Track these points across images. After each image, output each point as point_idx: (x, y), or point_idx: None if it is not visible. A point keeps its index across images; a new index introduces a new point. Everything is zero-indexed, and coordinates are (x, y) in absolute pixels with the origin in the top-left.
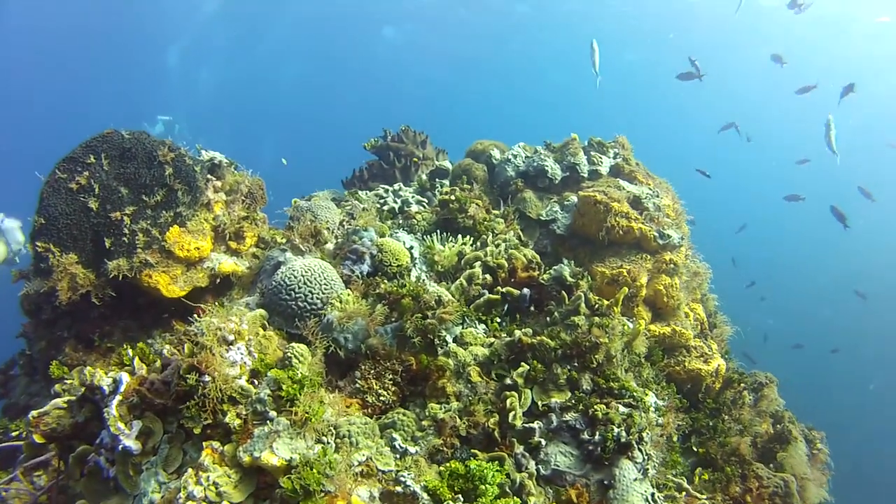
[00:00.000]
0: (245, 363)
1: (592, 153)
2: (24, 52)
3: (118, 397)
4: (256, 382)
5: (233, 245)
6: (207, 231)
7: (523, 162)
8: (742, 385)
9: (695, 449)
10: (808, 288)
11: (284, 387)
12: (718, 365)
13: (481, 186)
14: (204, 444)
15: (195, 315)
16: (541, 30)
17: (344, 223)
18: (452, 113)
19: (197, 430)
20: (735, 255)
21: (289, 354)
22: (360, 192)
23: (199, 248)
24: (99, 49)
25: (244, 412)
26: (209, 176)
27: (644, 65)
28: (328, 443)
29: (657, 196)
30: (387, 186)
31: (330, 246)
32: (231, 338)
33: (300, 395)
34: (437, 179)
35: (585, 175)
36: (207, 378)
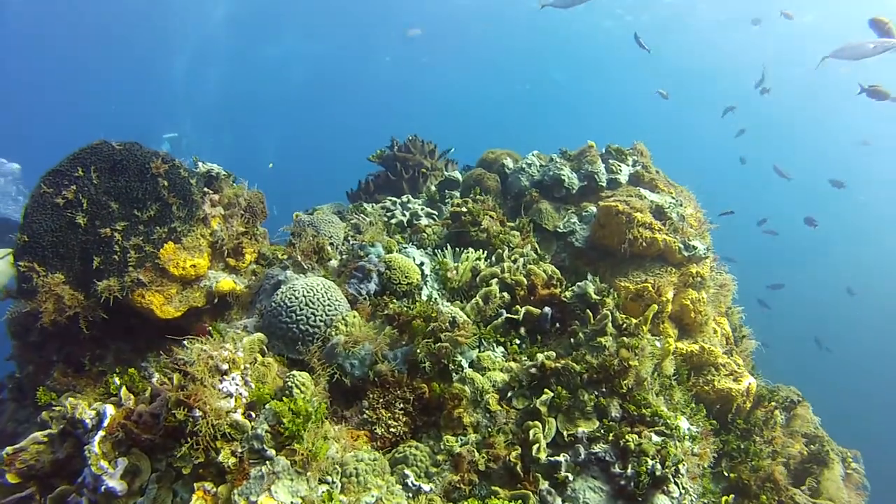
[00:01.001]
0: (241, 395)
1: (610, 161)
2: (24, 60)
3: (101, 433)
4: (253, 416)
5: (231, 262)
6: (204, 247)
7: (538, 171)
8: (773, 404)
9: (726, 473)
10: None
11: (285, 422)
12: (749, 383)
13: (494, 197)
14: (195, 485)
15: (186, 341)
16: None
17: (349, 238)
18: (462, 123)
19: (186, 471)
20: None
21: (289, 384)
22: (365, 205)
23: (195, 266)
24: (102, 59)
25: (240, 450)
26: (206, 189)
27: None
28: (333, 483)
29: (680, 205)
30: (394, 198)
31: (334, 263)
32: (224, 367)
33: (303, 430)
34: (446, 191)
35: (604, 184)
36: (198, 413)
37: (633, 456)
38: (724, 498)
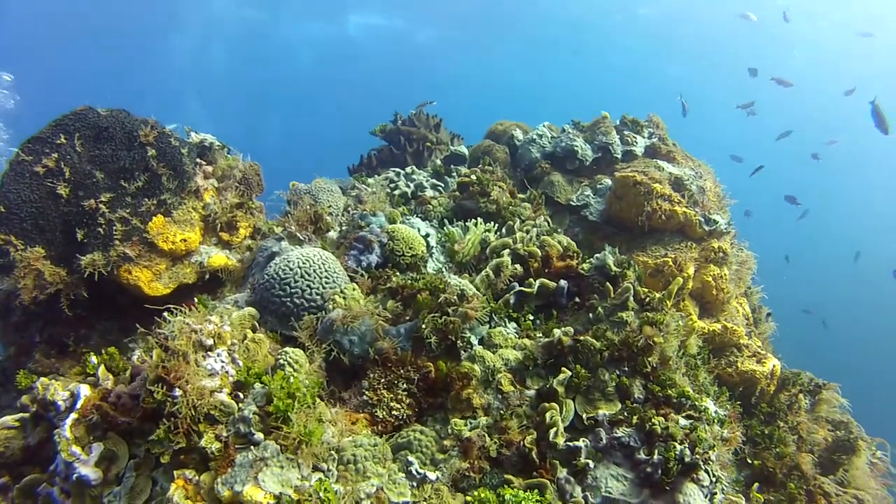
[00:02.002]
0: (227, 373)
1: (625, 132)
2: (22, 39)
3: (73, 415)
4: (241, 396)
5: (225, 237)
6: (196, 221)
7: (549, 142)
8: (797, 388)
9: (749, 461)
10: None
11: (274, 402)
12: (773, 366)
13: (503, 169)
14: (175, 473)
15: (167, 313)
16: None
17: (349, 208)
18: (468, 99)
19: (165, 459)
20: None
21: (281, 361)
22: (367, 178)
23: (186, 240)
24: (106, 35)
25: (225, 434)
26: (199, 160)
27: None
28: (328, 471)
29: (700, 178)
30: (398, 170)
31: (333, 234)
32: (209, 342)
33: (293, 411)
34: (452, 166)
35: (619, 156)
36: (178, 392)
37: (659, 441)
38: (760, 490)
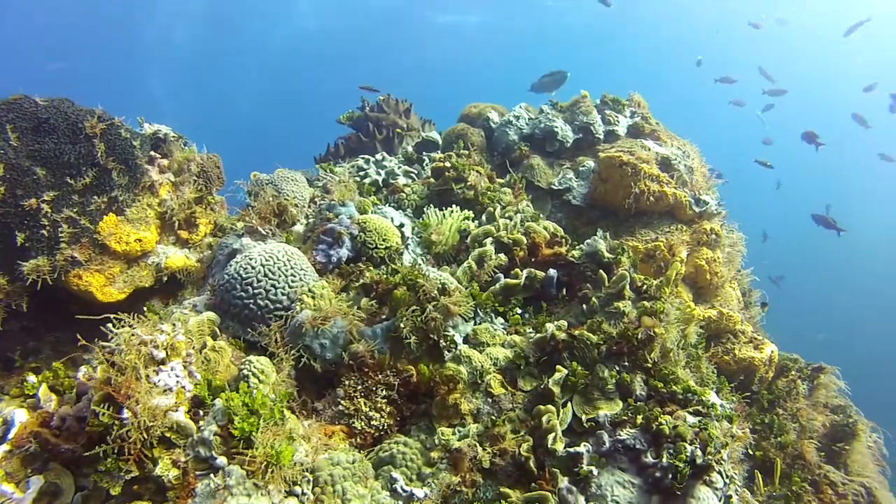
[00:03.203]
0: (183, 388)
1: (607, 112)
2: None
3: (5, 447)
4: (201, 414)
5: (183, 235)
6: (152, 219)
7: (527, 124)
8: (795, 373)
9: (750, 452)
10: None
11: (235, 421)
12: (771, 351)
13: (480, 154)
14: None
15: (112, 323)
16: None
17: (316, 199)
18: (442, 84)
19: (115, 491)
20: None
21: (245, 372)
22: (335, 166)
23: (141, 240)
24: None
25: (183, 459)
26: (153, 153)
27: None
28: (303, 496)
29: (688, 157)
30: (368, 157)
31: (299, 228)
32: (161, 355)
33: (257, 431)
34: (424, 153)
35: (601, 136)
36: (127, 413)
37: (667, 442)
38: (764, 483)
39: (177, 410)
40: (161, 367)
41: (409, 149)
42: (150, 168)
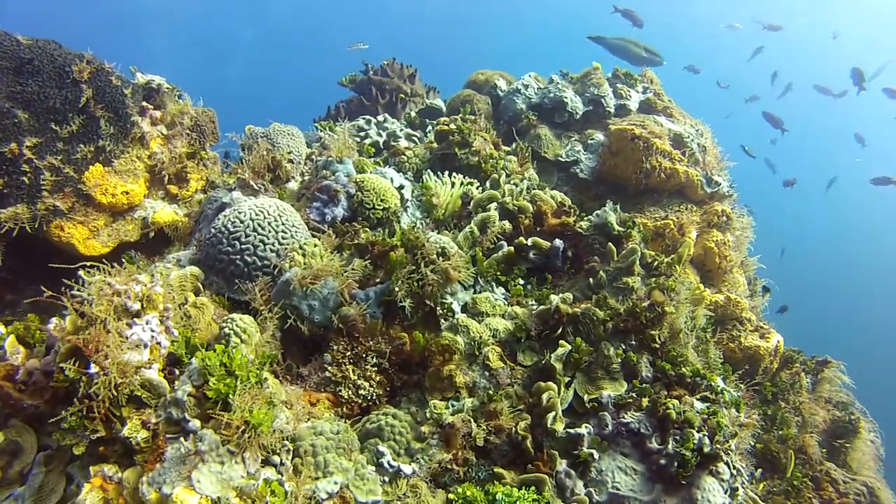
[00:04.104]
0: (159, 344)
1: (618, 86)
2: None
3: None
4: (177, 373)
5: (173, 190)
6: (141, 172)
7: (536, 93)
8: (799, 366)
9: (752, 444)
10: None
11: (211, 382)
12: (777, 341)
13: (486, 121)
14: (92, 469)
15: (83, 271)
16: None
17: (313, 157)
18: (448, 50)
19: (78, 450)
20: None
21: (226, 330)
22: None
23: (128, 193)
24: None
25: (154, 420)
26: (144, 104)
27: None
28: (281, 465)
29: (701, 136)
30: (369, 117)
31: (293, 185)
32: (135, 307)
33: (235, 393)
34: (427, 120)
35: (612, 110)
36: (94, 368)
37: (674, 427)
38: (764, 477)
39: (150, 367)
40: (135, 320)
41: (413, 114)
42: (141, 119)
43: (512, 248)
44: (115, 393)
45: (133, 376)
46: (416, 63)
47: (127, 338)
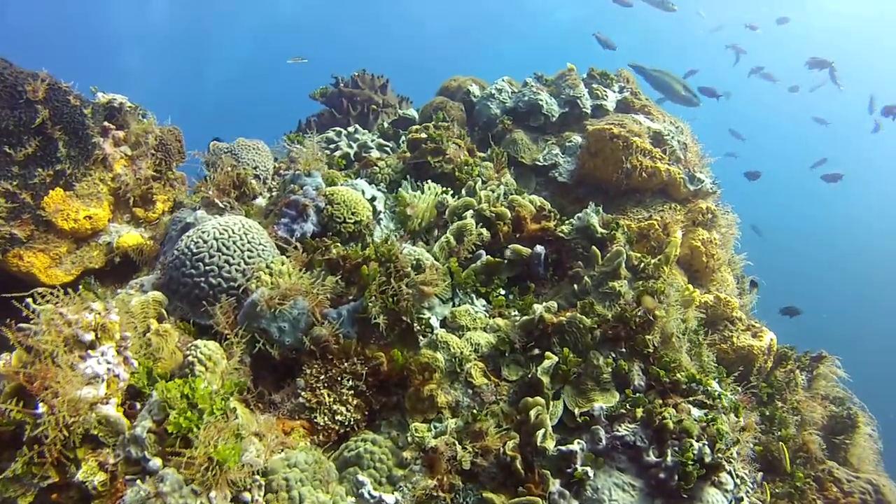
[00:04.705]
0: (117, 377)
1: (594, 86)
2: None
3: None
4: (138, 407)
5: (139, 213)
6: (104, 195)
7: (510, 97)
8: (794, 363)
9: (750, 446)
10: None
11: (172, 415)
12: (770, 339)
13: (460, 128)
14: None
15: (31, 299)
16: None
17: (281, 171)
18: (420, 59)
19: (25, 501)
20: None
21: (189, 359)
22: (302, 137)
23: (91, 218)
24: None
25: (111, 460)
26: (107, 124)
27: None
28: (253, 502)
29: (681, 133)
30: (339, 129)
31: (261, 201)
32: (88, 337)
33: (198, 427)
34: (401, 131)
35: (588, 111)
36: (42, 408)
37: (672, 438)
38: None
39: (107, 403)
40: (89, 352)
41: (386, 125)
42: (103, 140)
43: (490, 258)
44: (66, 434)
45: (87, 414)
46: (389, 74)
47: (80, 371)
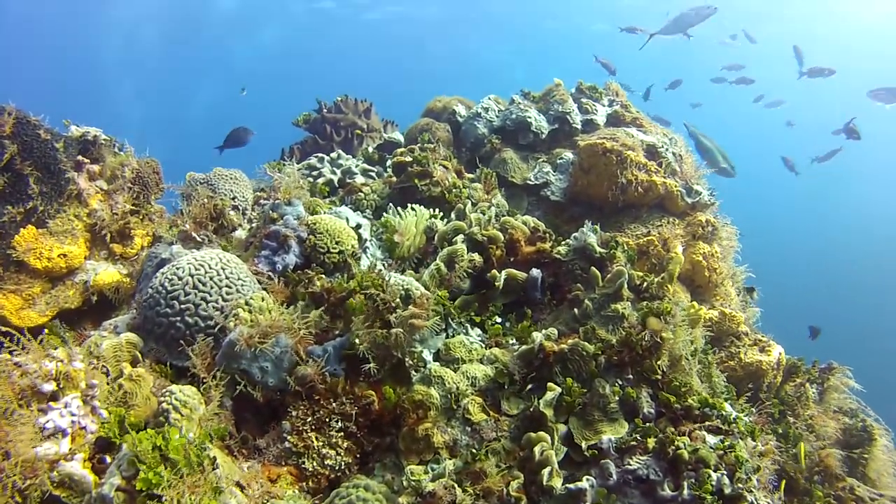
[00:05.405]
0: (83, 429)
1: (583, 100)
2: None
3: None
4: (108, 461)
5: (117, 249)
6: (80, 231)
7: (497, 116)
8: (801, 377)
9: (774, 474)
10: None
11: (142, 471)
12: (779, 354)
13: (447, 149)
14: None
15: None
16: None
17: (261, 201)
18: (407, 85)
19: None
20: None
21: (164, 405)
22: (283, 164)
23: (66, 256)
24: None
25: None
26: (81, 157)
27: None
28: None
29: (675, 144)
30: (322, 155)
31: (240, 233)
32: (48, 387)
33: (167, 484)
34: (386, 155)
35: (578, 126)
36: None
37: (687, 469)
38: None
39: (71, 459)
40: (50, 403)
41: (370, 150)
42: (77, 174)
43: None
44: (20, 500)
45: (47, 473)
46: (377, 101)
47: (39, 426)
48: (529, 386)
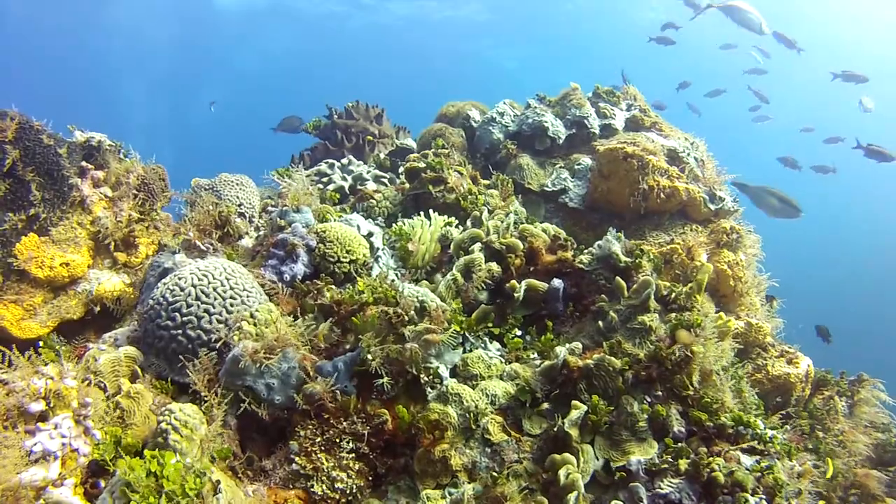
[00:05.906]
0: (76, 451)
1: (601, 105)
2: None
3: None
4: (102, 485)
5: (121, 257)
6: (83, 239)
7: (513, 121)
8: (829, 390)
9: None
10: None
11: (134, 500)
12: (807, 366)
13: (461, 154)
14: None
15: None
16: None
17: (269, 208)
18: (416, 89)
19: None
20: None
21: (163, 425)
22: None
23: (69, 265)
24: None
25: None
26: (85, 164)
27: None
28: None
29: (696, 149)
30: (332, 161)
31: (247, 242)
32: (36, 407)
33: None
34: (399, 161)
35: (596, 131)
36: None
37: (723, 493)
38: None
39: (60, 485)
40: (39, 424)
41: (382, 156)
42: (81, 181)
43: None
44: None
45: (33, 502)
46: (388, 106)
47: (26, 450)
48: (552, 404)
